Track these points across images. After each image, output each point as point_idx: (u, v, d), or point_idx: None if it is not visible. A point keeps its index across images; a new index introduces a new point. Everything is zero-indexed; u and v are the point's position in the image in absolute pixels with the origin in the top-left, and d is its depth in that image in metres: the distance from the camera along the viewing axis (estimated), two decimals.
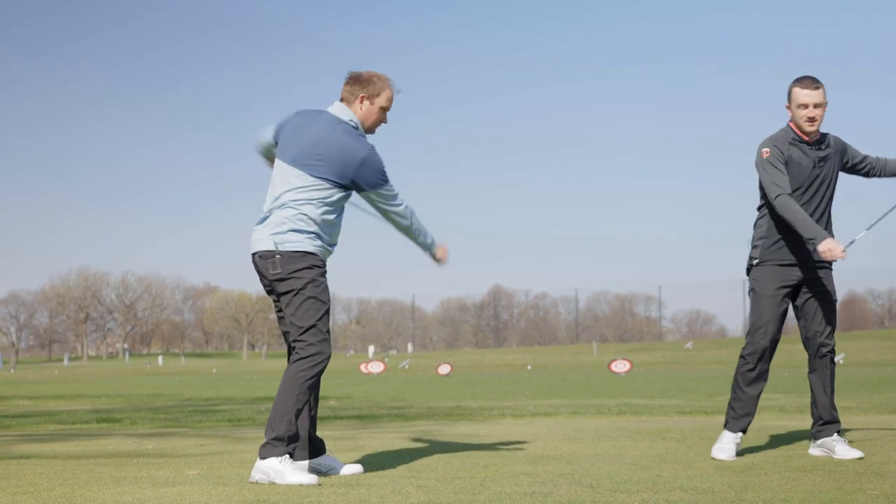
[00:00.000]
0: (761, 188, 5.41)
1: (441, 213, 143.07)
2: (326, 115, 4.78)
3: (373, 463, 5.22)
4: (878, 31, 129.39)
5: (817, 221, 5.26)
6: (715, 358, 49.98)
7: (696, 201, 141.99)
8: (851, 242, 5.19)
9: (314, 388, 4.65)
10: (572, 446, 6.08)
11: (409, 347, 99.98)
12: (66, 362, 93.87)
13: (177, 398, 16.69)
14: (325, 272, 4.71)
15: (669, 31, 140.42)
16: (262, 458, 4.47)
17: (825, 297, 5.38)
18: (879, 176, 5.59)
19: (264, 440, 4.52)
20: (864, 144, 5.61)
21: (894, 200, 5.48)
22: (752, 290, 5.47)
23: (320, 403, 12.11)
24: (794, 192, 5.24)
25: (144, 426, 8.93)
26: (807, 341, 5.45)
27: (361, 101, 4.76)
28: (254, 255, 4.71)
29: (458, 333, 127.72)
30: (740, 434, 5.43)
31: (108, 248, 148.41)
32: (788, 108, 5.34)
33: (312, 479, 4.37)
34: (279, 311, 4.76)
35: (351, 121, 4.74)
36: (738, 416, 5.43)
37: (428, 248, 5.00)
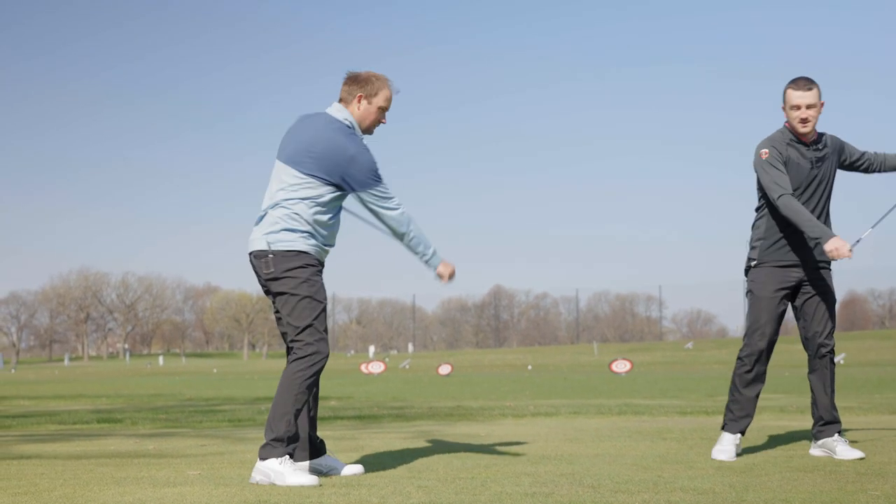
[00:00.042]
0: (760, 189, 5.41)
1: (441, 214, 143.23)
2: (323, 115, 4.78)
3: (373, 463, 5.22)
4: (877, 31, 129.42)
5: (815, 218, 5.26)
6: (715, 358, 49.98)
7: (697, 201, 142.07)
8: (858, 241, 5.19)
9: (313, 387, 4.64)
10: (573, 446, 6.08)
11: (410, 347, 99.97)
12: (66, 362, 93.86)
13: (177, 398, 16.69)
14: (320, 271, 4.69)
15: (669, 31, 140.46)
16: (262, 458, 4.47)
17: (824, 298, 5.38)
18: (879, 171, 5.58)
19: (264, 441, 4.52)
20: (863, 144, 5.62)
21: (893, 198, 5.49)
22: (749, 291, 5.47)
23: (321, 404, 12.13)
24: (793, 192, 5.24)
25: (145, 426, 8.93)
26: (806, 341, 5.45)
27: (359, 101, 4.75)
28: (250, 255, 4.72)
29: (458, 333, 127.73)
30: (739, 435, 5.43)
31: (109, 248, 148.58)
32: (784, 109, 5.34)
33: (313, 479, 4.37)
34: (277, 311, 4.75)
35: (346, 120, 4.73)
36: (737, 417, 5.43)
37: (428, 261, 4.79)
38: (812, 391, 5.48)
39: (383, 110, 4.81)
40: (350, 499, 3.93)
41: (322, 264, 4.76)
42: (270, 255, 4.62)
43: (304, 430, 4.76)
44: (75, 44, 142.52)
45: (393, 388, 20.71)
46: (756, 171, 5.36)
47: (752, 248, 5.48)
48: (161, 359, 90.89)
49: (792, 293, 5.41)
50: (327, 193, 4.64)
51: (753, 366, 5.41)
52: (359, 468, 4.85)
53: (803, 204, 5.25)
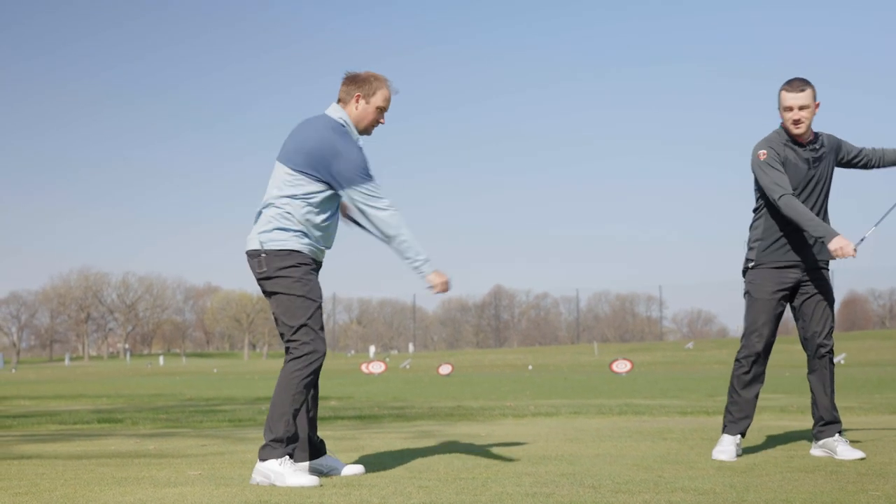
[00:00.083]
0: (758, 190, 5.41)
1: (441, 214, 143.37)
2: (322, 116, 4.77)
3: (374, 463, 5.22)
4: (877, 31, 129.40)
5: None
6: (716, 358, 49.98)
7: (697, 201, 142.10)
8: (862, 240, 5.19)
9: (311, 387, 4.61)
10: (574, 447, 6.08)
11: (410, 347, 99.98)
12: (67, 362, 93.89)
13: (178, 398, 16.69)
14: (314, 269, 4.67)
15: (669, 31, 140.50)
16: (262, 460, 4.46)
17: (823, 298, 5.38)
18: (878, 166, 5.57)
19: (263, 442, 4.52)
20: (863, 144, 5.60)
21: (886, 201, 5.49)
22: (747, 292, 5.48)
23: (321, 404, 12.13)
24: None
25: (146, 426, 8.93)
26: (805, 342, 5.45)
27: (357, 101, 4.73)
28: (246, 254, 4.73)
29: (459, 333, 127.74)
30: (739, 436, 5.43)
31: (109, 248, 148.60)
32: (779, 110, 5.35)
33: (313, 480, 4.37)
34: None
35: (340, 119, 4.72)
36: (737, 419, 5.43)
37: (418, 268, 4.62)
38: (812, 391, 5.48)
39: (382, 110, 4.78)
40: (351, 499, 3.93)
41: (317, 263, 4.75)
42: (263, 255, 4.62)
43: (303, 430, 4.76)
44: (75, 44, 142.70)
45: (393, 388, 20.71)
46: (754, 173, 5.36)
47: (750, 248, 5.48)
48: (161, 359, 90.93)
49: (790, 294, 5.41)
50: (318, 192, 4.60)
51: (751, 367, 5.41)
52: (359, 468, 4.85)
53: (802, 203, 5.25)
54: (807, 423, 7.35)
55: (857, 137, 5.56)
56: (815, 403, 5.45)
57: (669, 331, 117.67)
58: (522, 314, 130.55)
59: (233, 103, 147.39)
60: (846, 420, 7.42)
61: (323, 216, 4.67)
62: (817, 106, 5.28)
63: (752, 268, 5.44)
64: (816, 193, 5.32)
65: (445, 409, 11.01)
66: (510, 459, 5.34)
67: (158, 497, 4.02)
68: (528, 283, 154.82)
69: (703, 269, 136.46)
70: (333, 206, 4.72)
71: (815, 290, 5.38)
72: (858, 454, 5.16)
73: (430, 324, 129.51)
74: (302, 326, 4.56)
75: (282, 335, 4.67)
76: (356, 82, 4.74)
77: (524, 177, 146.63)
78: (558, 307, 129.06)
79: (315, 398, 4.89)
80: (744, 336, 5.46)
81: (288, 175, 4.63)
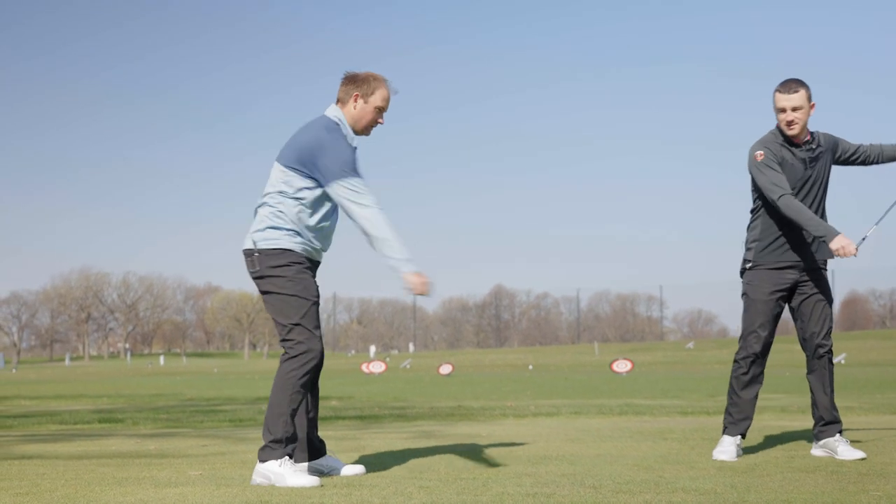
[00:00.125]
0: (755, 191, 5.41)
1: (442, 214, 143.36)
2: (319, 117, 4.77)
3: (375, 463, 5.22)
4: (877, 31, 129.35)
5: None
6: (716, 358, 49.97)
7: (697, 201, 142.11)
8: (863, 239, 5.19)
9: (308, 386, 4.59)
10: (574, 447, 6.08)
11: (411, 347, 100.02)
12: (67, 362, 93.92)
13: (178, 398, 16.69)
14: (307, 268, 4.64)
15: (669, 31, 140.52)
16: (262, 461, 4.46)
17: (821, 298, 5.38)
18: (877, 162, 5.56)
19: (263, 443, 4.51)
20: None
21: (894, 196, 5.49)
22: (744, 293, 5.48)
23: (321, 404, 12.13)
24: None
25: (146, 426, 8.93)
26: (804, 342, 5.46)
27: (355, 100, 4.71)
28: (242, 253, 4.74)
29: (459, 333, 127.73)
30: (740, 437, 5.43)
31: (110, 248, 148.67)
32: (774, 111, 5.36)
33: (314, 480, 4.36)
34: None
35: (335, 117, 4.71)
36: (737, 420, 5.43)
37: (397, 267, 4.46)
38: (812, 392, 5.48)
39: (380, 110, 4.75)
40: (352, 499, 3.93)
41: (312, 262, 4.71)
42: (256, 254, 4.62)
43: (301, 429, 4.76)
44: (75, 44, 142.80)
45: (394, 388, 20.71)
46: (751, 174, 5.36)
47: (748, 249, 5.48)
48: (162, 359, 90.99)
49: (788, 294, 5.42)
50: (309, 189, 4.58)
51: (750, 368, 5.41)
52: (360, 468, 4.85)
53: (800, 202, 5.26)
54: (807, 423, 7.35)
55: (857, 137, 5.56)
56: (814, 404, 5.45)
57: (670, 331, 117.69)
58: (523, 314, 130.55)
59: (233, 103, 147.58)
60: (847, 420, 7.42)
61: (316, 216, 4.64)
62: (812, 106, 5.28)
63: (750, 268, 5.45)
64: (814, 193, 5.33)
65: (446, 410, 11.01)
66: (511, 460, 5.34)
67: (159, 497, 4.02)
68: (529, 283, 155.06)
69: (703, 269, 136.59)
70: (328, 207, 4.68)
71: (814, 291, 5.38)
72: (859, 454, 5.16)
73: (431, 324, 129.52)
74: (296, 326, 4.54)
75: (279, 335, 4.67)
76: (355, 82, 4.73)
77: (524, 177, 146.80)
78: (559, 307, 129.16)
79: (316, 398, 4.88)
80: (742, 337, 5.47)
81: (281, 172, 4.64)
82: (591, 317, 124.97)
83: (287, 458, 4.45)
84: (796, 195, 5.26)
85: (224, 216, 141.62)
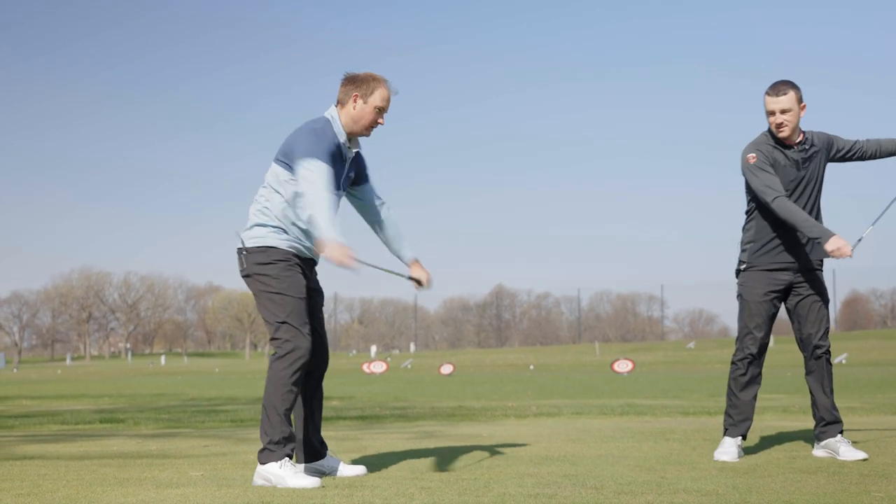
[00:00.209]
0: (749, 193, 5.42)
1: (442, 214, 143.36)
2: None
3: (376, 464, 5.22)
4: (876, 31, 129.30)
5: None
6: (717, 358, 49.95)
7: (697, 201, 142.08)
8: (859, 240, 5.18)
9: (299, 384, 4.54)
10: (576, 447, 6.07)
11: (412, 347, 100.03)
12: (68, 362, 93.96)
13: (180, 398, 16.70)
14: (293, 265, 4.60)
15: (669, 31, 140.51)
16: (262, 463, 4.45)
17: (817, 299, 5.37)
18: (876, 157, 5.54)
19: (261, 445, 4.51)
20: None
21: (892, 195, 5.48)
22: (739, 295, 5.49)
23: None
24: None
25: (147, 427, 8.94)
26: (801, 343, 5.46)
27: (355, 101, 4.67)
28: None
29: (460, 333, 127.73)
30: (741, 438, 5.43)
31: (111, 247, 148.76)
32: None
33: (315, 481, 4.35)
34: None
35: (328, 115, 4.70)
36: (737, 421, 5.43)
37: (319, 235, 4.39)
38: (811, 393, 5.48)
39: (380, 110, 4.70)
40: (353, 500, 3.92)
41: (303, 259, 4.68)
42: (244, 253, 4.63)
43: (298, 429, 4.76)
44: (75, 44, 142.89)
45: (395, 388, 20.71)
46: (745, 176, 5.36)
47: (743, 251, 5.49)
48: (163, 358, 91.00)
49: (783, 294, 5.42)
50: (292, 182, 4.57)
51: (747, 369, 5.42)
52: (361, 469, 4.84)
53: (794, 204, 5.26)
54: (808, 423, 7.34)
55: (856, 137, 5.54)
56: (814, 404, 5.45)
57: (671, 330, 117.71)
58: (524, 314, 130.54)
59: (233, 103, 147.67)
60: (848, 420, 7.42)
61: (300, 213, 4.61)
62: (803, 108, 5.28)
63: (745, 270, 5.46)
64: (808, 194, 5.32)
65: (447, 410, 11.01)
66: (512, 460, 5.33)
67: (161, 498, 4.02)
68: (530, 283, 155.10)
69: (704, 269, 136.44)
70: None
71: (809, 292, 5.37)
72: (861, 455, 5.16)
73: (432, 323, 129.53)
74: (282, 324, 4.52)
75: None
76: (354, 82, 4.70)
77: (524, 177, 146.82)
78: (560, 307, 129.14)
79: (320, 400, 4.88)
80: (738, 339, 5.48)
81: (272, 168, 4.67)
82: (591, 316, 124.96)
83: (287, 458, 4.44)
84: (790, 196, 5.27)
85: (224, 216, 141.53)
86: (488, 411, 10.54)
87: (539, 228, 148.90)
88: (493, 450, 5.91)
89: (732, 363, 5.49)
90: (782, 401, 11.89)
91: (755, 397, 5.47)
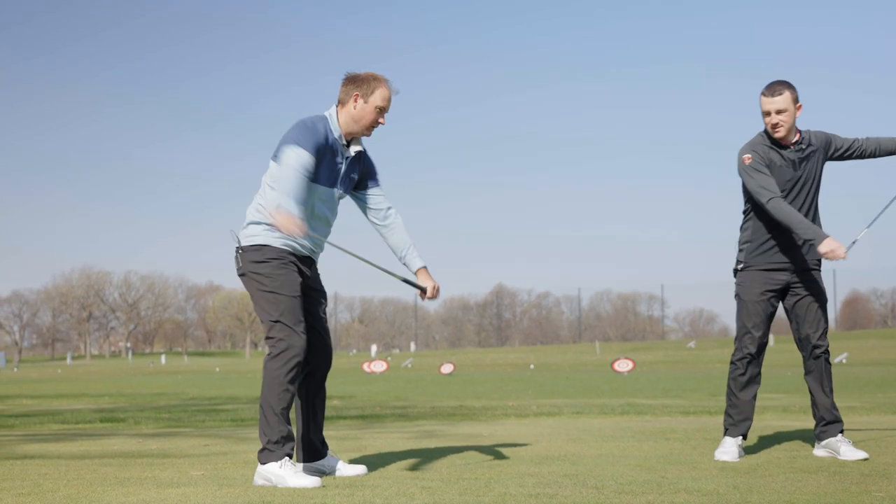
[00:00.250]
0: (746, 193, 5.42)
1: (442, 214, 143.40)
2: None
3: (376, 463, 5.22)
4: (876, 30, 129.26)
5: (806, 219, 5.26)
6: (718, 357, 49.93)
7: (697, 201, 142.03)
8: (853, 242, 5.19)
9: (295, 383, 4.52)
10: (576, 447, 6.07)
11: (412, 346, 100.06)
12: (69, 361, 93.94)
13: (180, 397, 16.70)
14: (286, 263, 4.59)
15: (669, 31, 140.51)
16: (262, 463, 4.45)
17: (815, 299, 5.37)
18: (876, 155, 5.53)
19: (261, 446, 4.50)
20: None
21: (890, 197, 5.48)
22: (737, 294, 5.49)
23: None
24: None
25: (148, 426, 8.94)
26: (800, 342, 5.46)
27: (355, 100, 4.67)
28: None
29: (460, 332, 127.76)
30: (741, 438, 5.42)
31: (111, 247, 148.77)
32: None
33: (315, 481, 4.35)
34: None
35: (328, 112, 4.70)
36: (737, 421, 5.43)
37: (272, 214, 4.46)
38: (811, 393, 5.48)
39: (381, 110, 4.69)
40: (354, 499, 3.92)
41: (297, 256, 4.65)
42: (240, 251, 4.63)
43: (299, 430, 4.76)
44: (75, 44, 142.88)
45: (395, 388, 20.71)
46: (741, 177, 5.36)
47: (740, 250, 5.50)
48: (163, 357, 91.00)
49: (780, 294, 5.42)
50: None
51: (746, 369, 5.42)
52: (362, 468, 4.84)
53: (789, 205, 5.25)
54: (809, 423, 7.34)
55: (856, 136, 5.53)
56: (814, 404, 5.45)
57: (671, 330, 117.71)
58: (524, 313, 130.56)
59: (233, 103, 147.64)
60: (849, 420, 7.42)
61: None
62: (799, 108, 5.27)
63: (742, 270, 5.47)
64: (804, 193, 5.32)
65: (448, 409, 11.01)
66: (513, 460, 5.33)
67: (161, 498, 4.02)
68: (530, 283, 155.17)
69: (704, 269, 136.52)
70: (306, 199, 4.59)
71: (807, 292, 5.37)
72: (862, 454, 5.16)
73: (432, 323, 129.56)
74: (276, 323, 4.51)
75: None
76: (355, 82, 4.69)
77: (524, 177, 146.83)
78: (560, 306, 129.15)
79: (322, 400, 4.87)
80: (736, 338, 5.48)
81: (269, 167, 4.68)
82: (592, 316, 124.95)
83: (287, 458, 4.44)
84: (786, 196, 5.27)
85: (224, 216, 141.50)
86: (489, 411, 10.54)
87: (539, 228, 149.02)
88: (493, 449, 5.91)
89: (731, 363, 5.49)
90: (782, 400, 11.89)
91: (755, 397, 5.47)
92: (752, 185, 5.26)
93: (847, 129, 5.47)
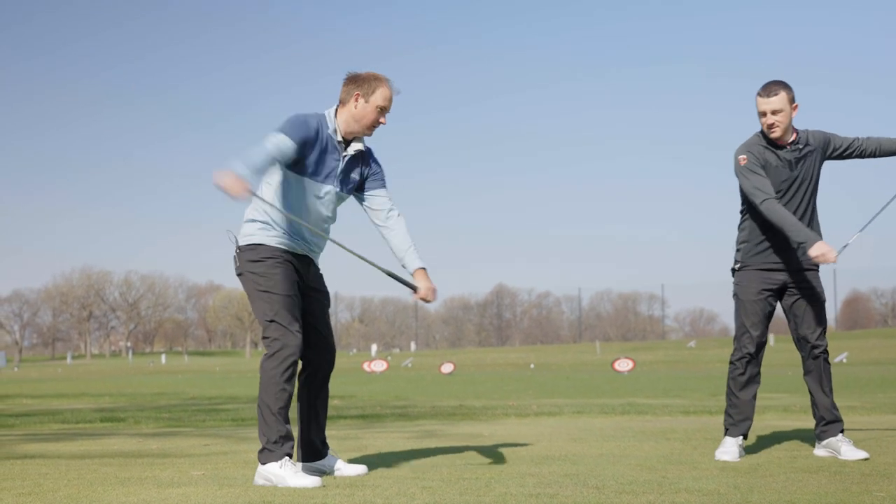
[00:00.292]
0: (743, 193, 5.42)
1: (442, 214, 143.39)
2: None
3: (377, 463, 5.22)
4: (876, 30, 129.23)
5: (800, 222, 5.26)
6: (718, 357, 49.94)
7: (698, 201, 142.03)
8: (845, 246, 5.20)
9: (292, 382, 4.52)
10: (577, 446, 6.07)
11: (413, 346, 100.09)
12: (69, 361, 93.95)
13: (180, 397, 16.70)
14: (281, 262, 4.57)
15: (669, 31, 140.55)
16: (262, 463, 4.45)
17: (813, 299, 5.37)
18: (874, 156, 5.51)
19: (261, 446, 4.50)
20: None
21: (888, 198, 5.48)
22: (735, 294, 5.49)
23: None
24: None
25: (148, 426, 8.93)
26: (798, 343, 5.46)
27: (356, 100, 4.65)
28: None
29: (461, 332, 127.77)
30: (741, 438, 5.42)
31: (111, 247, 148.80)
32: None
33: (315, 481, 4.34)
34: None
35: (327, 111, 4.69)
36: (737, 421, 5.43)
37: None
38: (810, 393, 5.48)
39: (382, 110, 4.67)
40: (354, 499, 3.92)
41: (294, 254, 4.63)
42: (237, 251, 4.63)
43: (300, 429, 4.75)
44: (75, 44, 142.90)
45: (396, 387, 20.71)
46: (737, 177, 5.36)
47: (737, 250, 5.50)
48: (164, 357, 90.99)
49: (778, 293, 5.42)
50: (275, 172, 4.59)
51: (746, 368, 5.41)
52: (362, 468, 4.83)
53: (785, 206, 5.25)
54: (809, 422, 7.33)
55: (856, 136, 5.52)
56: (814, 404, 5.45)
57: (671, 329, 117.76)
58: (524, 313, 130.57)
59: (233, 103, 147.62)
60: (849, 420, 7.41)
61: (283, 197, 4.59)
62: (795, 108, 5.27)
63: (739, 269, 5.46)
64: (801, 193, 5.32)
65: (448, 409, 11.01)
66: (514, 459, 5.33)
67: (162, 497, 4.02)
68: (531, 282, 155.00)
69: (704, 268, 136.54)
70: (295, 194, 4.59)
71: (805, 292, 5.37)
72: (862, 454, 5.15)
73: (433, 322, 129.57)
74: (270, 322, 4.50)
75: None
76: (356, 82, 4.68)
77: (524, 177, 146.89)
78: (560, 306, 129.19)
79: (324, 401, 4.86)
80: (735, 338, 5.48)
81: None
82: (592, 316, 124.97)
83: (287, 458, 4.43)
84: (783, 196, 5.27)
85: (225, 216, 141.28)
86: (489, 410, 10.54)
87: (539, 228, 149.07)
88: (494, 449, 5.91)
89: (731, 363, 5.49)
90: (783, 400, 11.88)
91: (755, 396, 5.47)
92: (746, 185, 5.27)
93: (847, 129, 5.47)
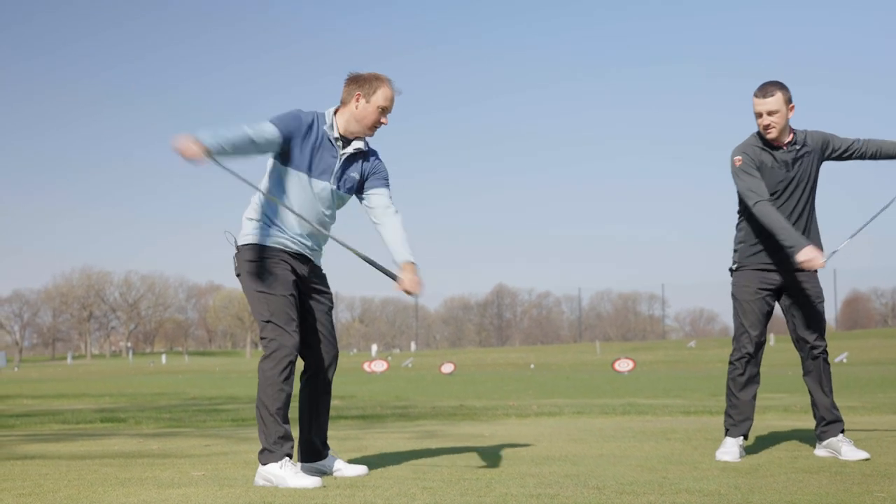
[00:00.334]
0: (739, 194, 5.42)
1: (442, 214, 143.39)
2: None
3: (377, 463, 5.22)
4: (877, 31, 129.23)
5: (797, 223, 5.26)
6: (718, 357, 49.90)
7: (698, 201, 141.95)
8: (834, 252, 5.21)
9: (290, 383, 4.51)
10: (577, 447, 6.07)
11: (413, 346, 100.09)
12: (69, 361, 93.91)
13: (181, 397, 16.69)
14: (278, 262, 4.56)
15: (669, 31, 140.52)
16: (263, 464, 4.45)
17: (811, 300, 5.37)
18: (875, 158, 5.50)
19: (261, 446, 4.50)
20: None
21: (886, 200, 5.49)
22: (733, 294, 5.49)
23: None
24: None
25: (149, 426, 8.93)
26: (797, 343, 5.47)
27: (357, 100, 4.65)
28: None
29: (461, 332, 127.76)
30: (742, 438, 5.42)
31: (111, 247, 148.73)
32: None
33: (316, 481, 4.34)
34: None
35: (326, 110, 4.69)
36: (737, 422, 5.42)
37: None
38: (810, 393, 5.48)
39: (383, 110, 4.67)
40: (355, 500, 3.92)
41: (293, 254, 4.62)
42: (236, 251, 4.64)
43: (301, 430, 4.75)
44: (75, 44, 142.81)
45: (396, 387, 20.71)
46: (733, 179, 5.36)
47: (735, 251, 5.51)
48: (164, 357, 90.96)
49: (776, 293, 5.42)
50: (270, 167, 4.62)
51: (745, 368, 5.41)
52: (362, 468, 4.83)
53: (782, 206, 5.25)
54: (810, 422, 7.32)
55: (856, 137, 5.51)
56: (814, 404, 5.45)
57: (672, 329, 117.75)
58: (525, 313, 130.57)
59: (233, 103, 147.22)
60: (850, 420, 7.41)
61: (277, 190, 4.59)
62: (791, 108, 5.27)
63: (737, 269, 5.47)
64: (798, 194, 5.31)
65: (448, 409, 11.01)
66: (514, 460, 5.33)
67: (162, 498, 4.02)
68: (531, 282, 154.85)
69: (704, 268, 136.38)
70: (295, 191, 4.58)
71: (803, 293, 5.37)
72: (863, 454, 5.15)
73: (433, 322, 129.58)
74: (267, 323, 4.50)
75: None
76: (357, 82, 4.68)
77: (524, 177, 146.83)
78: (560, 306, 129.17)
79: (327, 402, 4.85)
80: (734, 338, 5.48)
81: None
82: (592, 316, 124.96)
83: (287, 458, 4.43)
84: (779, 197, 5.27)
85: (225, 216, 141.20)
86: (489, 411, 10.54)
87: (539, 228, 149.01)
88: (494, 449, 5.91)
89: (730, 363, 5.49)
90: (783, 400, 11.88)
91: (755, 396, 5.46)
92: (741, 187, 5.27)
93: (847, 130, 5.47)
